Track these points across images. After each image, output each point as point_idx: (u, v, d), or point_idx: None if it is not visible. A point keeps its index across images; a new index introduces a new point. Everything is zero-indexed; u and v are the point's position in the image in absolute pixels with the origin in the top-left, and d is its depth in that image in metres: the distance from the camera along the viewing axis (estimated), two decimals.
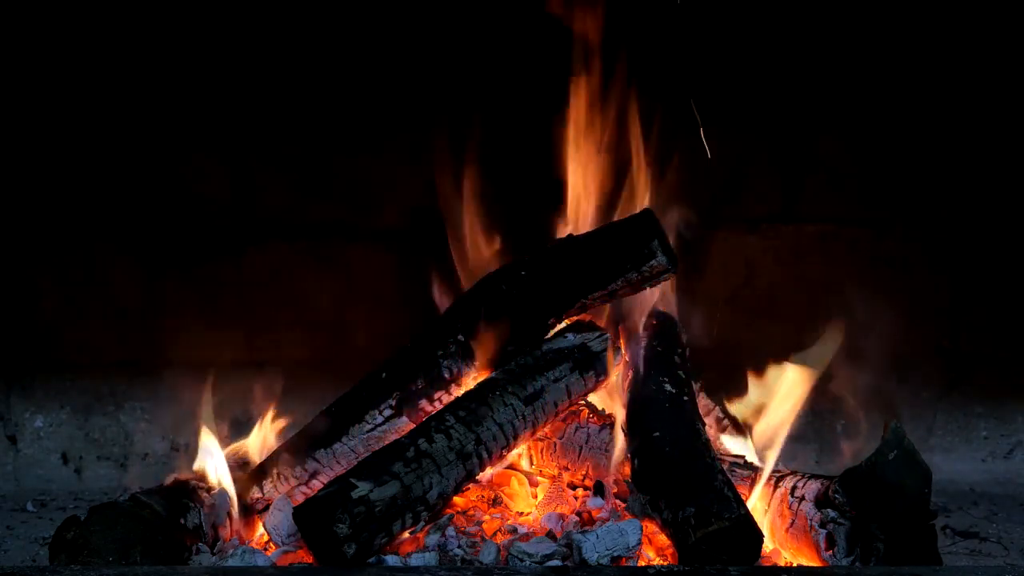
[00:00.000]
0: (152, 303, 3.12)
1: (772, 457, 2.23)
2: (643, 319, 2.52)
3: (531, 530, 2.13)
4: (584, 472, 2.33)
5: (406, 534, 2.02)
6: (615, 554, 1.96)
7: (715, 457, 2.09)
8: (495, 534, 2.11)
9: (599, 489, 2.27)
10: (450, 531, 2.07)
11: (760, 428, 2.38)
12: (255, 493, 2.27)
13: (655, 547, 2.06)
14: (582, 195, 2.59)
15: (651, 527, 2.05)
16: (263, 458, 2.35)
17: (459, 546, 2.04)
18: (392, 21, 3.03)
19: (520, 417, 2.18)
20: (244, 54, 3.05)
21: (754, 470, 2.22)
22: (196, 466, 2.25)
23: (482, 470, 2.16)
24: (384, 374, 2.34)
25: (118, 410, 3.16)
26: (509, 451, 2.21)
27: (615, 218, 2.53)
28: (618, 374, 2.38)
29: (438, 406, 2.28)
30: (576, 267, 2.32)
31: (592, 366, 2.30)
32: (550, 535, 2.07)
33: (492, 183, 2.70)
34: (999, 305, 3.16)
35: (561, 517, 2.17)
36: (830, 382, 2.46)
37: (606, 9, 2.65)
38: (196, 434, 2.29)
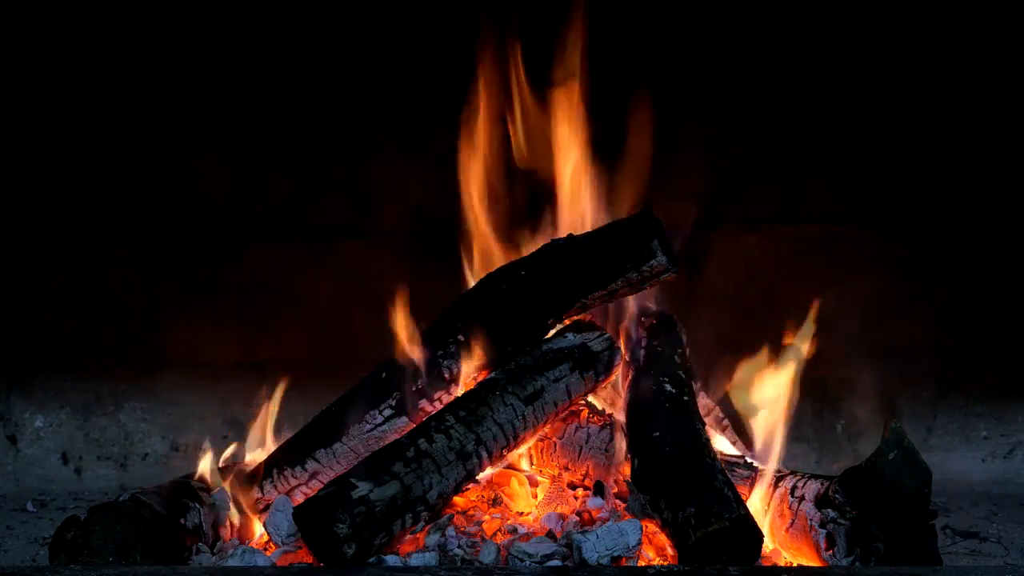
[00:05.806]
0: (152, 303, 3.12)
1: (772, 457, 2.23)
2: (643, 319, 2.51)
3: (531, 530, 2.13)
4: (584, 472, 2.33)
5: (406, 534, 2.02)
6: (615, 554, 1.95)
7: (715, 457, 2.08)
8: (495, 534, 2.11)
9: (599, 489, 2.27)
10: (450, 531, 2.07)
11: (759, 429, 2.38)
12: (255, 493, 2.27)
13: (655, 547, 2.05)
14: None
15: (651, 527, 2.04)
16: (263, 458, 2.35)
17: (459, 546, 2.04)
18: (393, 21, 3.04)
19: (520, 417, 2.18)
20: (244, 54, 3.05)
21: (754, 470, 2.22)
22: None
23: (482, 470, 2.16)
24: (384, 374, 2.34)
25: (118, 410, 3.16)
26: (509, 451, 2.21)
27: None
28: (618, 374, 2.38)
29: (438, 406, 2.27)
30: (576, 267, 2.31)
31: (592, 366, 2.30)
32: (550, 535, 2.07)
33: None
34: (999, 305, 3.16)
35: (561, 517, 2.17)
36: (831, 382, 2.46)
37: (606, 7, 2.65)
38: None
